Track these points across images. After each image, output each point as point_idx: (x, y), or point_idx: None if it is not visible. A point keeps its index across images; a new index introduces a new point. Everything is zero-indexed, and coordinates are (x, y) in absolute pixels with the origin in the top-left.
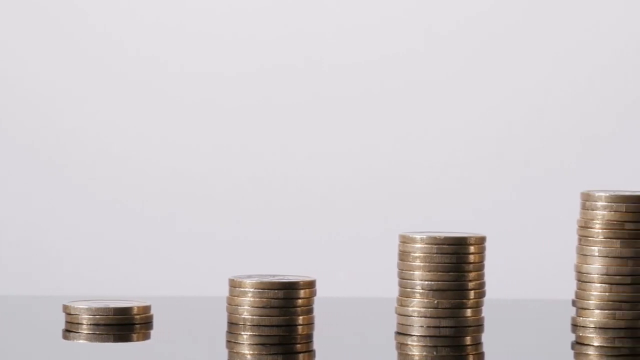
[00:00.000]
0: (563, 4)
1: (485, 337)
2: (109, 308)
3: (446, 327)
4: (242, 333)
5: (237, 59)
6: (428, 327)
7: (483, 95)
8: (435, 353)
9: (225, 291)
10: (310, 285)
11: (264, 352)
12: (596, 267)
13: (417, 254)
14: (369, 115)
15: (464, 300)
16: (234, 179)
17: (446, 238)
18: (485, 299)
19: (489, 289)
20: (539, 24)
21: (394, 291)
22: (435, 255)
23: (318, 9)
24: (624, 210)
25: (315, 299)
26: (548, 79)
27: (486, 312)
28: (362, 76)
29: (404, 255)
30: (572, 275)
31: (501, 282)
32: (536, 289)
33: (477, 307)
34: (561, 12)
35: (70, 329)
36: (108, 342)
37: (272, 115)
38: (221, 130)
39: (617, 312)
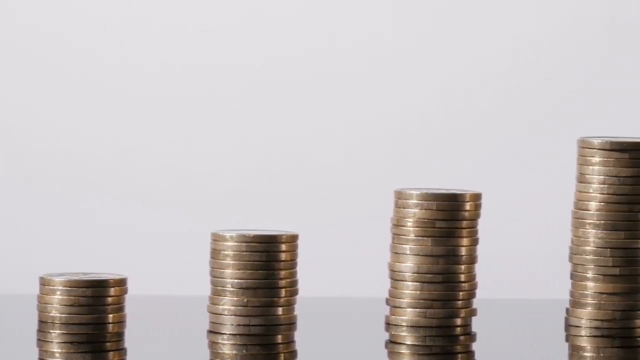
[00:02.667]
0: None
1: (297, 336)
2: None
3: (256, 325)
4: (52, 331)
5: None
6: (238, 325)
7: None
8: (244, 352)
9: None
10: (121, 283)
11: (72, 351)
12: (408, 265)
13: (227, 252)
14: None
15: (275, 299)
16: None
17: (255, 236)
18: (298, 297)
19: (302, 287)
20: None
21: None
22: (244, 253)
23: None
24: (435, 208)
25: (127, 297)
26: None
27: (299, 310)
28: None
29: (215, 254)
30: (387, 273)
31: (316, 281)
32: (352, 287)
33: (289, 305)
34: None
35: None
36: None
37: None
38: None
39: (428, 310)
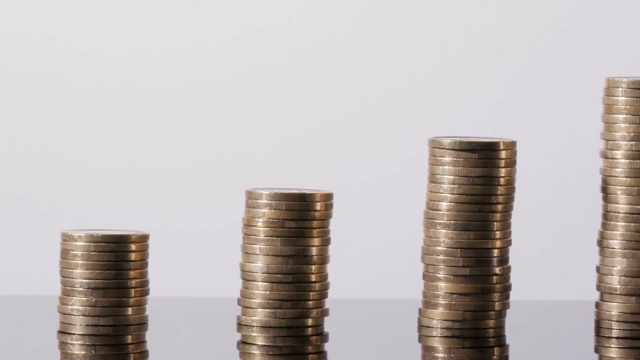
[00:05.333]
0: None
1: (148, 336)
2: None
3: (105, 325)
4: None
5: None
6: (87, 325)
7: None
8: (93, 352)
9: None
10: None
11: None
12: (258, 265)
13: (76, 252)
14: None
15: (124, 299)
16: None
17: (104, 236)
18: (150, 298)
19: (154, 287)
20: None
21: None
22: (93, 253)
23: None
24: (284, 208)
25: None
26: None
27: (150, 310)
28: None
29: (64, 253)
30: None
31: (169, 281)
32: (205, 288)
33: (139, 305)
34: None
35: None
36: None
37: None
38: None
39: (278, 310)
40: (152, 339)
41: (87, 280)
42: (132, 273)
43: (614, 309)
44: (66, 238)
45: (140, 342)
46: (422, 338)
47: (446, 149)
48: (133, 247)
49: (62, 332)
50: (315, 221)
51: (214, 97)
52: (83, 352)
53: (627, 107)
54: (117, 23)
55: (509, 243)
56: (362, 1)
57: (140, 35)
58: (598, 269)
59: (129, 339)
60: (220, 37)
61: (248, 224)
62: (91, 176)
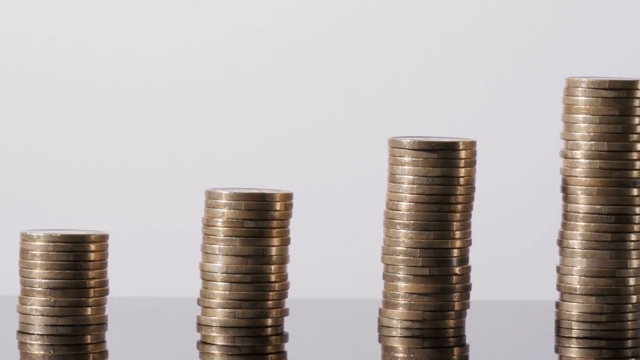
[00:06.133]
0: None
1: (108, 336)
2: None
3: (63, 325)
4: None
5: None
6: (46, 325)
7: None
8: (52, 352)
9: None
10: None
11: None
12: (218, 265)
13: (35, 252)
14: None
15: (83, 299)
16: None
17: (63, 236)
18: (110, 297)
19: (114, 287)
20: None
21: None
22: (52, 253)
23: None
24: (243, 208)
25: None
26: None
27: (110, 310)
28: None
29: (23, 253)
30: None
31: (129, 281)
32: (165, 287)
33: (98, 305)
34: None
35: None
36: None
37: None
38: None
39: (237, 310)
40: (112, 339)
41: (46, 280)
42: (91, 273)
43: (574, 309)
44: (25, 238)
45: (100, 342)
46: (382, 338)
47: (405, 148)
48: (92, 247)
49: (21, 332)
50: (274, 221)
51: (181, 98)
52: (42, 352)
53: (587, 107)
54: (100, 23)
55: (469, 243)
56: (336, 5)
57: (119, 36)
58: (558, 269)
59: (88, 339)
60: (197, 40)
61: (207, 223)
62: (51, 175)
